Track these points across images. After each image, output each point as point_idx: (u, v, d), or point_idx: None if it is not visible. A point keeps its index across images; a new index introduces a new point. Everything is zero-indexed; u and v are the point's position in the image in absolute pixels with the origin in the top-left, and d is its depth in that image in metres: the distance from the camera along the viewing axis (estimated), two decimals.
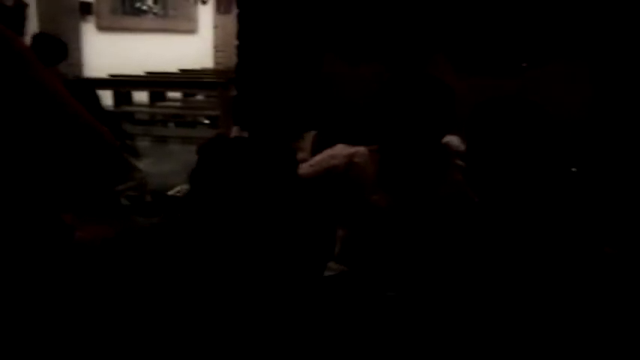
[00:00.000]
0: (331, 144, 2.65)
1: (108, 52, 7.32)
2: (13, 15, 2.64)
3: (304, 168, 2.44)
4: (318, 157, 2.48)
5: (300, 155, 2.82)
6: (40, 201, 1.68)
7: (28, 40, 3.81)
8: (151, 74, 8.54)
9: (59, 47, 4.11)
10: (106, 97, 6.53)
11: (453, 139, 2.43)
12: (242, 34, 3.43)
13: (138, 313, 2.24)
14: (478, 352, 2.12)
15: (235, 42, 3.61)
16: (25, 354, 1.65)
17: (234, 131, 3.19)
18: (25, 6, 3.07)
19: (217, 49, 9.97)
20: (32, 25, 5.79)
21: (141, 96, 8.25)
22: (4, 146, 1.49)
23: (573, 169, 2.72)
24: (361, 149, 2.40)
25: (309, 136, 2.93)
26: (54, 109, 1.52)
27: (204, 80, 8.59)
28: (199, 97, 8.89)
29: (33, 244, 1.64)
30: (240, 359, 2.10)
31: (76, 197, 2.40)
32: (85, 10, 8.94)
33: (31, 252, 1.64)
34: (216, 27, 10.00)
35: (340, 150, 2.44)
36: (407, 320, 2.17)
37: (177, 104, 8.65)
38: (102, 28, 8.94)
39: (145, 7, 9.53)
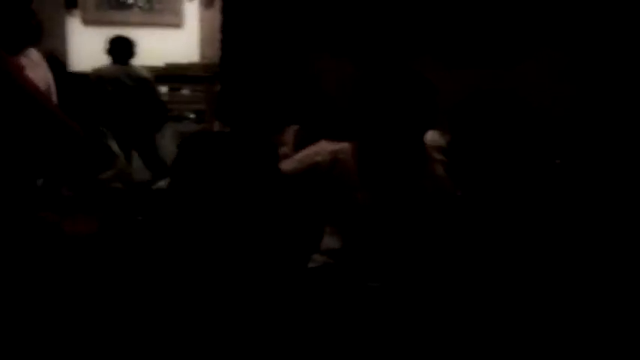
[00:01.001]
0: (314, 138, 2.65)
1: (93, 46, 7.24)
2: (18, 10, 2.62)
3: (288, 163, 2.43)
4: (302, 153, 2.48)
5: (283, 149, 2.82)
6: (22, 193, 1.69)
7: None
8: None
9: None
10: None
11: (433, 134, 2.43)
12: (226, 28, 3.43)
13: (123, 308, 2.24)
14: (462, 344, 2.13)
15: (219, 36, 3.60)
16: (16, 348, 1.66)
17: (216, 126, 3.18)
18: (31, 0, 3.05)
19: (203, 43, 9.93)
20: None
21: None
22: None
23: (557, 162, 2.73)
24: (345, 145, 2.40)
25: (292, 131, 2.93)
26: (33, 107, 1.54)
27: (190, 74, 8.55)
28: (185, 91, 8.84)
29: (18, 243, 1.65)
30: (224, 352, 2.11)
31: (56, 185, 2.41)
32: (71, 4, 8.87)
33: (17, 251, 1.65)
34: (202, 21, 9.95)
35: (324, 146, 2.44)
36: (390, 312, 2.18)
37: (164, 98, 8.61)
38: (87, 21, 8.88)
39: (130, 1, 9.46)
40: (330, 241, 2.38)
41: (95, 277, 2.27)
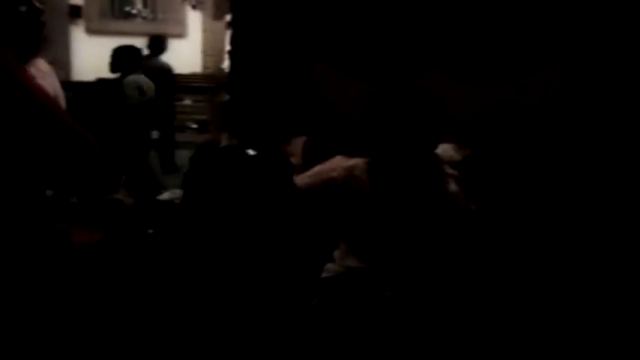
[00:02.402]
0: (321, 150, 2.65)
1: (97, 56, 7.25)
2: (27, 21, 2.61)
3: (303, 178, 2.44)
4: (317, 168, 2.48)
5: (292, 160, 2.81)
6: (34, 200, 1.68)
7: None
8: None
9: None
10: None
11: (447, 148, 2.43)
12: (235, 40, 3.42)
13: (132, 317, 2.23)
14: (474, 355, 2.13)
15: (225, 47, 3.60)
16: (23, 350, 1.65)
17: (224, 138, 3.18)
18: (41, 12, 3.04)
19: (206, 53, 9.96)
20: None
21: None
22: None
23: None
24: (360, 162, 2.40)
25: (300, 142, 2.93)
26: (47, 116, 1.53)
27: (193, 84, 8.56)
28: (187, 101, 8.86)
29: (32, 247, 1.64)
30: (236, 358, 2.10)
31: (68, 194, 2.40)
32: (75, 14, 8.91)
33: (30, 255, 1.64)
34: (205, 31, 9.98)
35: (340, 162, 2.44)
36: (404, 323, 2.17)
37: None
38: (91, 31, 8.92)
39: (134, 11, 9.51)
40: (343, 254, 2.37)
41: (101, 288, 2.26)
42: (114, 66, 5.63)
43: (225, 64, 4.34)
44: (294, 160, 2.84)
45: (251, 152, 2.29)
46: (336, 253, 2.39)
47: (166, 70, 7.25)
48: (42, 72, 3.49)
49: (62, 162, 1.58)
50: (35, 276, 1.67)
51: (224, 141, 3.10)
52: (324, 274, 2.38)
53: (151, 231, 2.60)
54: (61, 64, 7.31)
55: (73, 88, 5.66)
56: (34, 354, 1.68)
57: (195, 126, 8.78)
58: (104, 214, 2.80)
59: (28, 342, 1.66)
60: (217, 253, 2.16)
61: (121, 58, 5.64)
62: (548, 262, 2.27)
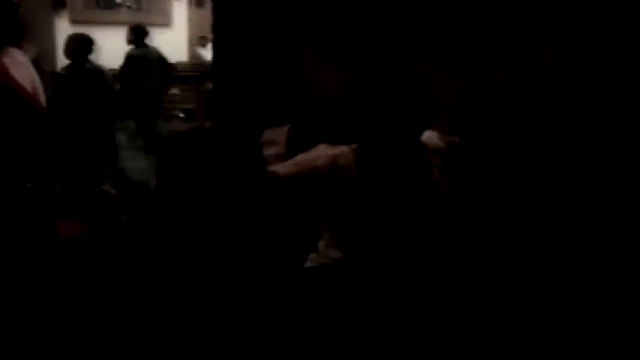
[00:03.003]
0: (305, 138, 2.65)
1: None
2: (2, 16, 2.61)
3: (286, 166, 2.43)
4: (300, 156, 2.47)
5: (275, 149, 2.81)
6: (14, 192, 1.68)
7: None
8: None
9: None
10: None
11: (432, 135, 2.43)
12: (217, 27, 3.41)
13: (116, 306, 2.24)
14: (459, 344, 2.14)
15: (210, 36, 3.59)
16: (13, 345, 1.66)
17: (208, 125, 3.17)
18: (16, 6, 3.02)
19: (192, 42, 9.93)
20: None
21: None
22: None
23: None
24: (345, 150, 2.39)
25: (284, 130, 2.93)
26: (19, 107, 1.53)
27: (180, 74, 8.54)
28: (174, 90, 8.83)
29: (16, 238, 1.65)
30: (217, 350, 2.10)
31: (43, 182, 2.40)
32: (59, 4, 8.86)
33: (14, 245, 1.65)
34: (190, 20, 9.94)
35: (324, 150, 2.43)
36: (386, 313, 2.18)
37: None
38: (75, 21, 8.85)
39: (118, 1, 9.45)
40: (327, 244, 2.38)
41: (87, 278, 2.26)
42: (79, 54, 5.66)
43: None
44: (277, 149, 2.84)
45: (216, 135, 2.28)
46: (320, 244, 2.40)
47: (161, 59, 7.42)
48: (16, 62, 3.45)
49: (36, 152, 1.58)
50: (20, 266, 1.67)
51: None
52: (307, 264, 2.38)
53: (124, 217, 2.60)
54: (47, 53, 7.26)
55: (58, 79, 5.64)
56: (21, 344, 1.69)
57: (182, 115, 8.77)
58: (90, 205, 2.80)
59: (13, 332, 1.67)
60: (192, 240, 2.16)
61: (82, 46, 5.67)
62: (533, 252, 2.28)
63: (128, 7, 9.51)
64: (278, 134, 2.93)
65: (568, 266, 2.29)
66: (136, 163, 6.33)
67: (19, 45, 3.55)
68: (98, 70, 5.76)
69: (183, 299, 2.13)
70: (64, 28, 8.64)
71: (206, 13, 9.00)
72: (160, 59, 7.38)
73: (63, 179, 1.93)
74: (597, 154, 2.78)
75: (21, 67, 3.48)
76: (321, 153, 2.42)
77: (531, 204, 2.37)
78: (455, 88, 2.77)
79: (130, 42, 7.25)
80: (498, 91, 2.48)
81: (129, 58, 7.16)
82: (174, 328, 2.10)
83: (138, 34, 7.26)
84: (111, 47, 7.06)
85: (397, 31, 3.09)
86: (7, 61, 3.03)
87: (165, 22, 9.73)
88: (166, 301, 2.14)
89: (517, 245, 2.29)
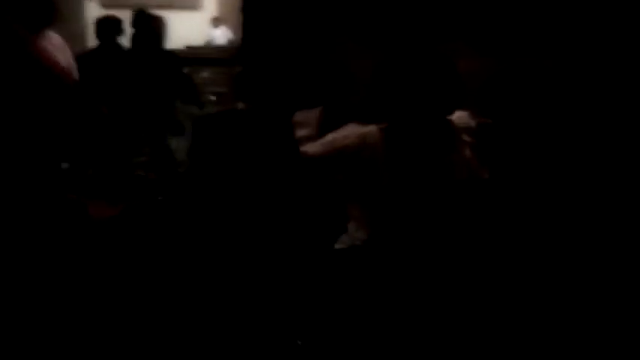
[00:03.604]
0: (338, 120, 2.63)
1: None
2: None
3: (315, 146, 2.43)
4: (329, 136, 2.46)
5: (307, 131, 2.80)
6: (48, 171, 1.69)
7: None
8: None
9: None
10: None
11: (463, 115, 2.40)
12: (247, 9, 3.40)
13: (145, 291, 2.24)
14: (485, 332, 2.12)
15: (239, 17, 3.57)
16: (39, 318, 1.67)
17: (239, 107, 3.16)
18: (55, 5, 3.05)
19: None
20: None
21: None
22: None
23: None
24: (373, 129, 2.38)
25: (315, 112, 2.91)
26: (47, 81, 1.53)
27: (211, 57, 8.54)
28: (205, 73, 8.84)
29: (46, 218, 1.65)
30: (245, 328, 2.11)
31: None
32: None
33: (45, 225, 1.65)
34: (219, 2, 9.94)
35: (352, 130, 2.42)
36: (416, 294, 2.17)
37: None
38: (105, 5, 8.90)
39: None
40: (357, 226, 2.36)
41: (117, 260, 2.27)
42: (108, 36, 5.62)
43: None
44: (309, 130, 2.83)
45: (246, 116, 2.27)
46: (350, 225, 2.38)
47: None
48: (54, 46, 3.48)
49: (71, 130, 1.58)
50: (50, 246, 1.68)
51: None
52: (337, 246, 2.37)
53: (160, 198, 2.60)
54: (77, 37, 7.29)
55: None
56: (48, 323, 1.70)
57: (213, 98, 8.77)
58: (121, 187, 2.81)
59: (41, 311, 1.67)
60: (225, 220, 2.16)
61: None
62: (561, 234, 2.25)
63: None
64: (310, 116, 2.91)
65: (596, 253, 2.26)
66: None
67: (49, 26, 3.58)
68: (125, 52, 5.73)
69: (217, 278, 2.13)
70: (94, 11, 8.69)
71: None
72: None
73: (96, 160, 1.93)
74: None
75: (58, 50, 3.51)
76: (350, 132, 2.41)
77: (560, 185, 2.33)
78: (483, 68, 2.73)
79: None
80: (522, 68, 2.43)
81: None
82: (213, 304, 2.11)
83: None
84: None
85: (432, 14, 3.05)
86: (44, 43, 3.06)
87: (194, 5, 9.74)
88: (201, 280, 2.15)
89: (545, 225, 2.26)
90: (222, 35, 9.68)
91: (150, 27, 5.66)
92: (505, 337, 2.13)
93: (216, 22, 9.21)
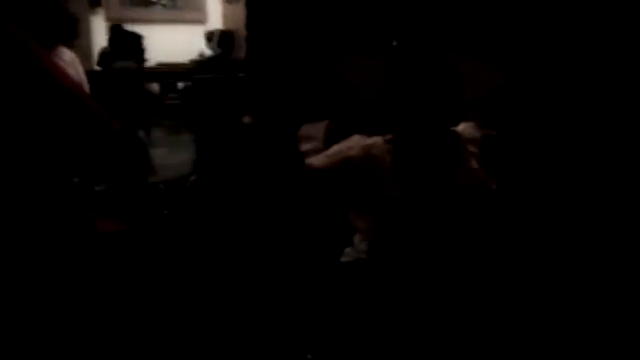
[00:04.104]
0: (344, 132, 2.63)
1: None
2: (47, 8, 2.64)
3: (320, 158, 2.43)
4: (334, 148, 2.46)
5: (314, 144, 2.80)
6: (59, 187, 1.69)
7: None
8: (161, 65, 8.56)
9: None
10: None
11: (468, 126, 2.41)
12: (251, 23, 3.42)
13: (152, 302, 2.25)
14: (492, 340, 2.12)
15: (244, 32, 3.59)
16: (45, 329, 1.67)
17: (246, 120, 3.18)
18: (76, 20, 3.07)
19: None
20: None
21: (152, 87, 8.29)
22: (19, 133, 1.51)
23: None
24: (378, 140, 2.38)
25: (322, 125, 2.91)
26: (59, 96, 1.53)
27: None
28: None
29: (54, 233, 1.65)
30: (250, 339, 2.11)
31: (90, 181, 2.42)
32: (95, 2, 8.96)
33: (52, 240, 1.65)
34: (225, 17, 9.98)
35: (357, 141, 2.42)
36: (420, 309, 2.16)
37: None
38: (111, 19, 8.94)
39: None
40: (362, 239, 2.36)
41: (124, 274, 2.28)
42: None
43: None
44: (315, 143, 2.83)
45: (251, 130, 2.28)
46: (356, 238, 2.38)
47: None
48: (65, 61, 3.50)
49: (87, 148, 1.59)
50: (57, 261, 1.68)
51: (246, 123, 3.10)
52: (342, 259, 2.37)
53: (166, 212, 2.61)
54: (83, 52, 7.34)
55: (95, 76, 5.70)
56: (52, 336, 1.70)
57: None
58: (131, 202, 2.82)
59: (47, 324, 1.67)
60: (230, 233, 2.17)
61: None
62: (567, 244, 2.25)
63: (163, 5, 9.59)
64: (316, 129, 2.92)
65: (607, 261, 2.26)
66: (172, 159, 6.35)
67: (69, 44, 3.60)
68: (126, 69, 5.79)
69: (225, 291, 2.13)
70: (99, 26, 8.74)
71: (240, 9, 9.05)
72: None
73: (109, 175, 1.94)
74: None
75: (69, 66, 3.53)
76: (354, 144, 2.41)
77: (566, 195, 2.33)
78: (489, 80, 2.73)
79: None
80: (527, 78, 2.44)
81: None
82: (207, 323, 2.11)
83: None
84: (147, 44, 7.11)
85: (432, 23, 3.06)
86: (57, 60, 3.08)
87: (200, 19, 9.78)
88: (209, 294, 2.15)
89: (552, 235, 2.26)
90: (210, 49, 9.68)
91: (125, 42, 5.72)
92: (511, 346, 2.12)
93: (210, 34, 9.21)
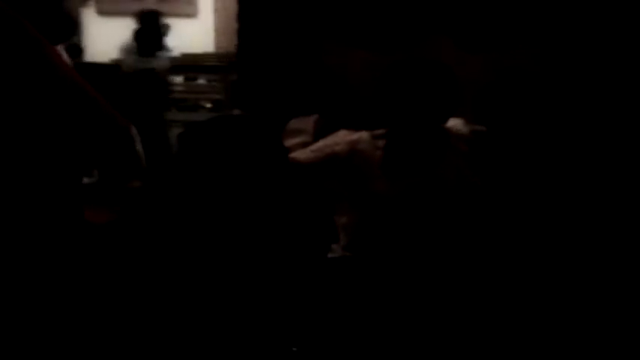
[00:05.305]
0: (333, 127, 2.64)
1: (109, 37, 7.29)
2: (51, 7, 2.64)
3: (306, 153, 2.43)
4: (320, 143, 2.47)
5: (303, 138, 2.80)
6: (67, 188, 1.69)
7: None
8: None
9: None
10: None
11: (457, 123, 2.42)
12: (242, 17, 3.42)
13: (140, 298, 2.25)
14: (479, 338, 2.13)
15: (236, 25, 3.59)
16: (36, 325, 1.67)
17: (235, 114, 3.18)
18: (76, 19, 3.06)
19: (218, 32, 9.92)
20: None
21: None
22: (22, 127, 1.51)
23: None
24: (364, 135, 2.39)
25: (311, 119, 2.92)
26: (67, 90, 1.54)
27: (206, 64, 8.55)
28: (201, 81, 8.86)
29: (43, 221, 1.65)
30: (236, 339, 2.11)
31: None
32: None
33: (45, 229, 1.65)
34: (216, 10, 9.94)
35: (343, 136, 2.43)
36: (409, 301, 2.17)
37: (180, 88, 8.65)
38: (102, 12, 8.92)
39: None
40: (348, 234, 2.37)
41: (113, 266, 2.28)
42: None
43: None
44: (304, 137, 2.83)
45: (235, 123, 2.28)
46: (342, 234, 2.39)
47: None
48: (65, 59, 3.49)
49: (94, 143, 1.59)
50: (47, 252, 1.68)
51: None
52: (330, 255, 2.38)
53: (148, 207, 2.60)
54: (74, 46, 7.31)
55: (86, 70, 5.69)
56: (45, 332, 1.70)
57: (209, 105, 8.78)
58: (121, 195, 2.81)
59: (38, 316, 1.68)
60: (212, 228, 2.17)
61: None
62: (555, 240, 2.26)
63: None
64: (305, 123, 2.92)
65: (590, 257, 2.27)
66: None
67: (67, 43, 3.59)
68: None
69: (202, 289, 2.13)
70: (91, 20, 8.71)
71: (232, 4, 9.01)
72: None
73: (111, 171, 1.93)
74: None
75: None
76: (340, 139, 2.42)
77: (553, 191, 2.35)
78: (478, 70, 2.75)
79: None
80: (515, 75, 2.45)
81: None
82: (194, 316, 2.11)
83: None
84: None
85: (420, 13, 3.06)
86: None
87: (192, 13, 9.75)
88: (185, 291, 2.15)
89: (538, 232, 2.27)
90: None
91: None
92: (501, 341, 2.14)
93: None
